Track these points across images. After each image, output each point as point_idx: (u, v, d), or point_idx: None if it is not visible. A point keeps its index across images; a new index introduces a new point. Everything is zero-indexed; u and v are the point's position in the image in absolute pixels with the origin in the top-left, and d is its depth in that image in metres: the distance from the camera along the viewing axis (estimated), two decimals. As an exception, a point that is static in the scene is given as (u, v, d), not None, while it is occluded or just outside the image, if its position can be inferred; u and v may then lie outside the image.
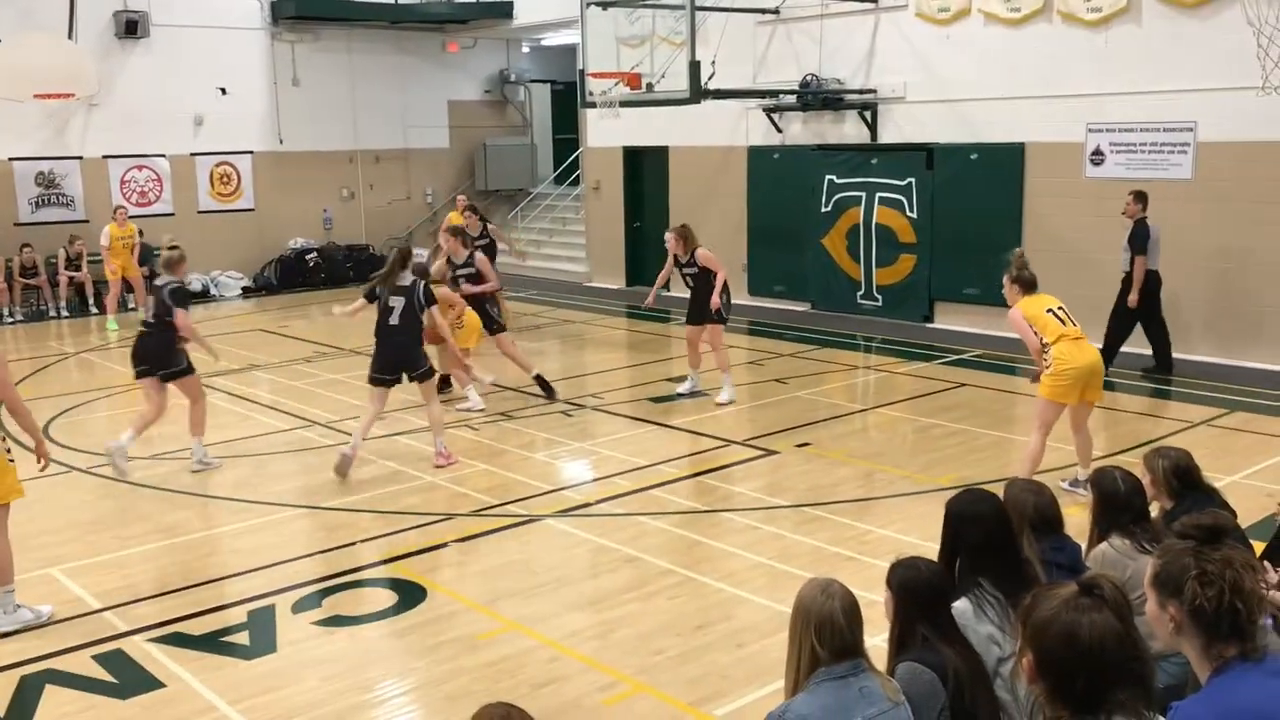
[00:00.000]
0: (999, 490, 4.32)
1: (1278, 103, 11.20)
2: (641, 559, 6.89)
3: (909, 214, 14.78)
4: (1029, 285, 7.62)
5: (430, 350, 9.53)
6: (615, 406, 10.91)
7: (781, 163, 16.11)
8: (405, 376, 9.00)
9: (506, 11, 20.64)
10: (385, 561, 6.97)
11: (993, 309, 12.45)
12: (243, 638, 5.96)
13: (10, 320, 16.91)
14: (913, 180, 14.66)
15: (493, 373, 11.20)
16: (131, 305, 17.23)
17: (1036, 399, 7.75)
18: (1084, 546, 4.51)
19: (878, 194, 15.06)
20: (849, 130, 15.41)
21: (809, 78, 15.20)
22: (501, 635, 5.90)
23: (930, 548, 4.09)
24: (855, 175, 15.26)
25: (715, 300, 10.51)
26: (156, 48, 18.59)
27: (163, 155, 19.14)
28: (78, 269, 17.49)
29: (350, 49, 20.93)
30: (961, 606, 3.71)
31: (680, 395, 11.06)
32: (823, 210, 15.67)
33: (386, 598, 6.43)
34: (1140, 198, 11.29)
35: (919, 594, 3.53)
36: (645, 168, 18.42)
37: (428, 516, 7.78)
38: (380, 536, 7.41)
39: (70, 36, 17.29)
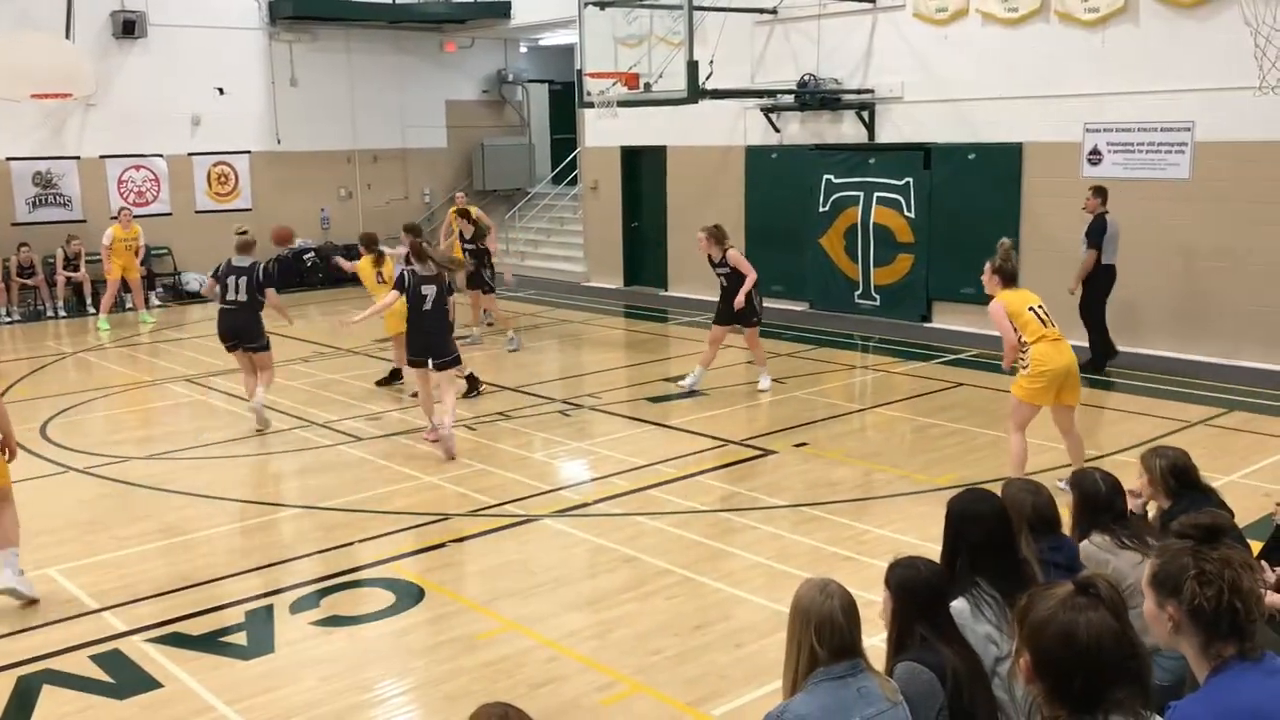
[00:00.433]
0: (996, 490, 4.32)
1: (1275, 102, 11.22)
2: (639, 559, 6.89)
3: (907, 214, 14.78)
4: (1009, 278, 7.55)
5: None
6: (613, 406, 10.91)
7: (779, 162, 16.11)
8: (430, 362, 9.23)
9: (504, 11, 20.64)
10: (383, 561, 6.97)
11: (990, 309, 12.44)
12: (240, 638, 5.96)
13: (8, 320, 16.90)
14: (910, 180, 14.66)
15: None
16: (129, 305, 17.21)
17: (1011, 399, 7.71)
18: None
19: (875, 194, 15.06)
20: (847, 130, 15.41)
21: (807, 78, 15.20)
22: (500, 635, 5.89)
23: (928, 547, 4.09)
24: (853, 175, 15.26)
25: (740, 299, 10.62)
26: (154, 48, 18.58)
27: (160, 155, 19.12)
28: (75, 269, 17.47)
29: (348, 49, 20.92)
30: (959, 606, 3.71)
31: (680, 390, 11.08)
32: (821, 210, 15.67)
33: (385, 598, 6.43)
34: (1099, 193, 11.45)
35: (917, 594, 3.53)
36: (643, 167, 18.42)
37: (426, 516, 7.78)
38: (378, 536, 7.41)
39: (67, 36, 17.28)
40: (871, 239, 15.17)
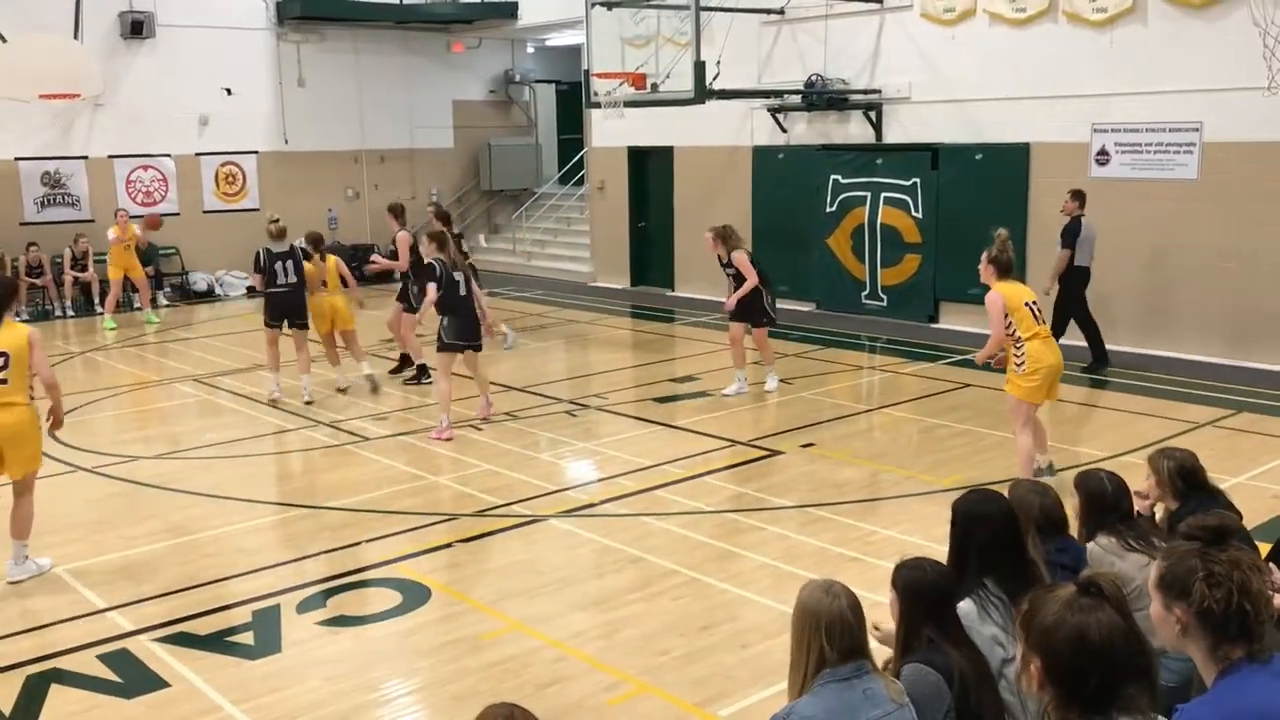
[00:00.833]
0: (1004, 491, 4.31)
1: (1284, 103, 11.19)
2: (646, 559, 6.89)
3: (914, 214, 14.76)
4: (1005, 268, 7.56)
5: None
6: (620, 407, 10.91)
7: (786, 163, 16.10)
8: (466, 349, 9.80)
9: (511, 12, 20.66)
10: (390, 561, 6.97)
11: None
12: (247, 638, 5.97)
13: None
14: (918, 180, 14.65)
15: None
16: (137, 305, 17.25)
17: (1009, 400, 7.74)
18: None
19: (883, 194, 15.05)
20: (854, 130, 15.40)
21: (814, 78, 15.19)
22: (506, 635, 5.89)
23: (934, 548, 4.08)
24: (860, 175, 15.25)
25: (730, 303, 10.72)
26: (162, 48, 18.62)
27: (168, 155, 19.16)
28: (83, 269, 17.53)
29: (356, 49, 20.95)
30: (966, 607, 3.70)
31: (726, 395, 10.95)
32: (828, 210, 15.66)
33: (391, 598, 6.43)
34: (1078, 196, 11.61)
35: (924, 595, 3.52)
36: (650, 168, 18.42)
37: (432, 517, 7.79)
38: (385, 536, 7.41)
39: (76, 37, 17.33)
40: (879, 239, 15.15)
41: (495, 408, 10.36)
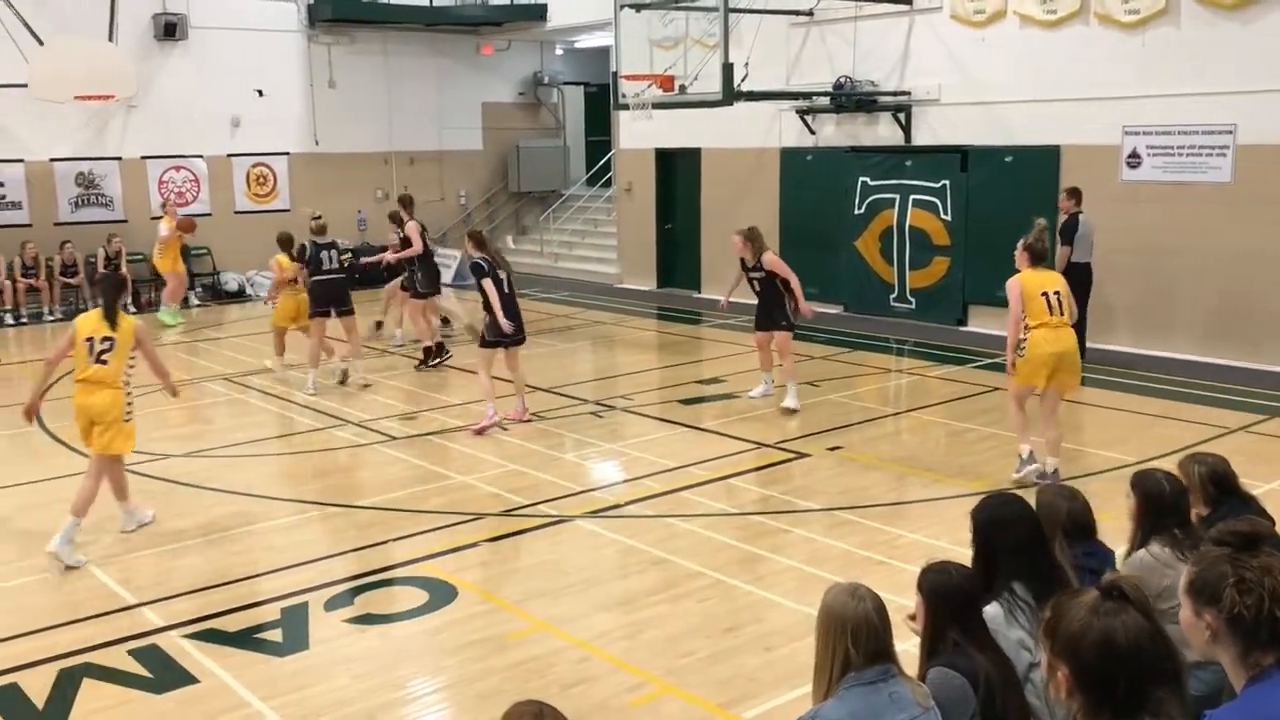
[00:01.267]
0: (1031, 495, 4.29)
1: (1319, 105, 11.06)
2: (671, 561, 6.89)
3: (943, 216, 14.70)
4: (1038, 256, 7.96)
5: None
6: (645, 408, 10.91)
7: (815, 164, 16.06)
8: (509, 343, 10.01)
9: (541, 14, 20.71)
10: (417, 560, 7.01)
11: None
12: (276, 635, 6.02)
13: (51, 318, 17.15)
14: (947, 182, 14.58)
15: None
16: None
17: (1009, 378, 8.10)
18: (1124, 549, 4.44)
19: (911, 196, 14.99)
20: (883, 132, 15.35)
21: (843, 79, 15.15)
22: (531, 635, 5.92)
23: (962, 552, 4.07)
24: (889, 177, 15.19)
25: (807, 308, 10.53)
26: (195, 50, 18.80)
27: (200, 156, 19.34)
28: (116, 268, 17.69)
29: (386, 51, 21.07)
30: (992, 611, 3.68)
31: (752, 398, 10.85)
32: (856, 212, 15.61)
33: (417, 596, 6.47)
34: (1074, 194, 11.76)
35: (950, 599, 3.51)
36: (677, 169, 18.42)
37: (459, 516, 7.82)
38: (411, 535, 7.46)
39: (110, 39, 17.51)
40: (907, 241, 15.10)
41: (528, 411, 10.36)
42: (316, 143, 20.37)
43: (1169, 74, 12.23)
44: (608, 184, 21.75)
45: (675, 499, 8.09)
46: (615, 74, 14.76)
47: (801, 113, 15.97)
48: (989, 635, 3.55)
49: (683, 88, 14.08)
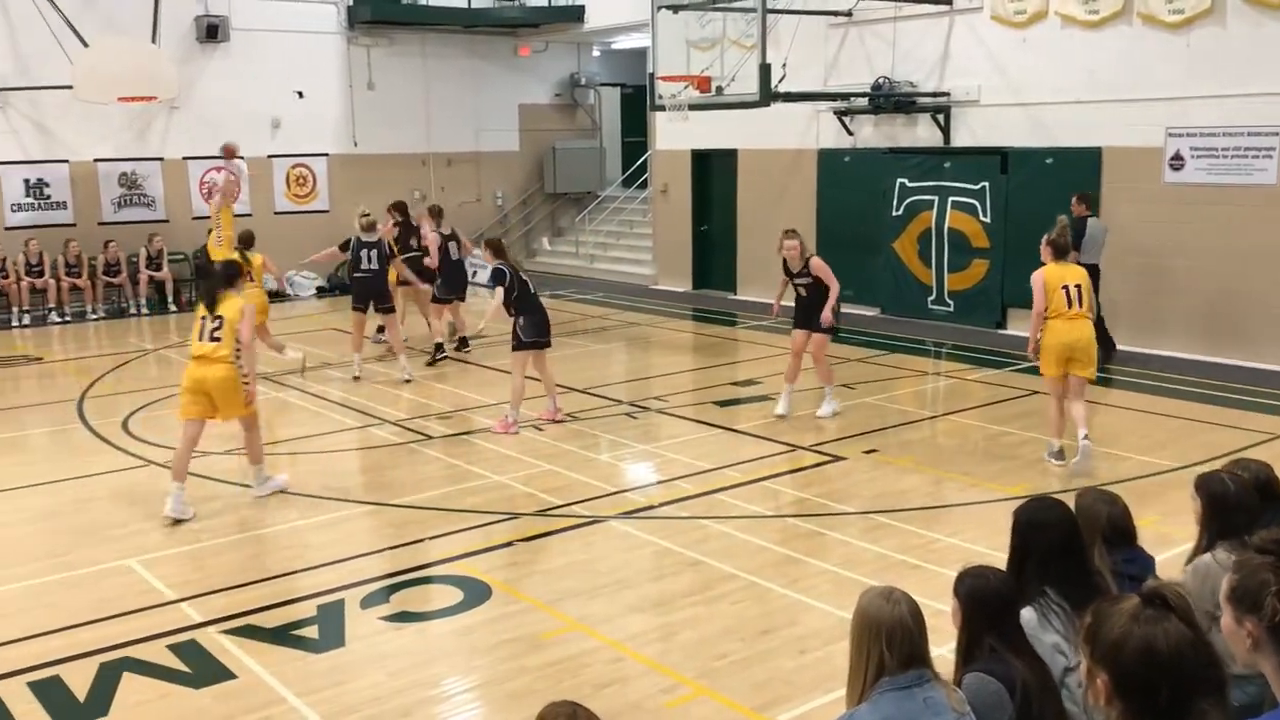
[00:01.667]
0: (1070, 499, 4.24)
1: (1368, 106, 10.87)
2: (705, 563, 6.88)
3: (982, 218, 14.58)
4: (1060, 251, 8.40)
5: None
6: (680, 409, 10.91)
7: (852, 166, 15.98)
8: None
9: (578, 15, 20.76)
10: (452, 559, 7.04)
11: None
12: (312, 631, 6.06)
13: (94, 317, 17.39)
14: (986, 184, 14.46)
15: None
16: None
17: None
18: (1189, 553, 4.34)
19: (950, 198, 14.88)
20: (921, 133, 15.25)
21: (881, 80, 15.07)
22: (564, 635, 5.92)
23: (999, 557, 4.03)
24: (927, 179, 15.09)
25: (827, 315, 9.98)
26: (236, 52, 19.00)
27: (241, 157, 19.51)
28: (158, 267, 17.94)
29: (424, 53, 21.19)
30: (1027, 615, 3.65)
31: (778, 416, 10.38)
32: (894, 214, 15.52)
33: (452, 595, 6.50)
34: (1084, 199, 12.01)
35: (987, 604, 3.47)
36: (713, 171, 18.40)
37: (493, 515, 7.85)
38: (446, 534, 7.49)
39: (153, 41, 17.73)
40: (946, 244, 14.99)
41: (561, 410, 10.42)
42: (355, 144, 20.53)
43: (1214, 74, 12.06)
44: (643, 185, 21.76)
45: (710, 501, 8.08)
46: (652, 75, 14.76)
47: (839, 114, 15.90)
48: (1026, 641, 3.52)
49: (720, 89, 14.06)
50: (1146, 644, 2.37)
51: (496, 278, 9.96)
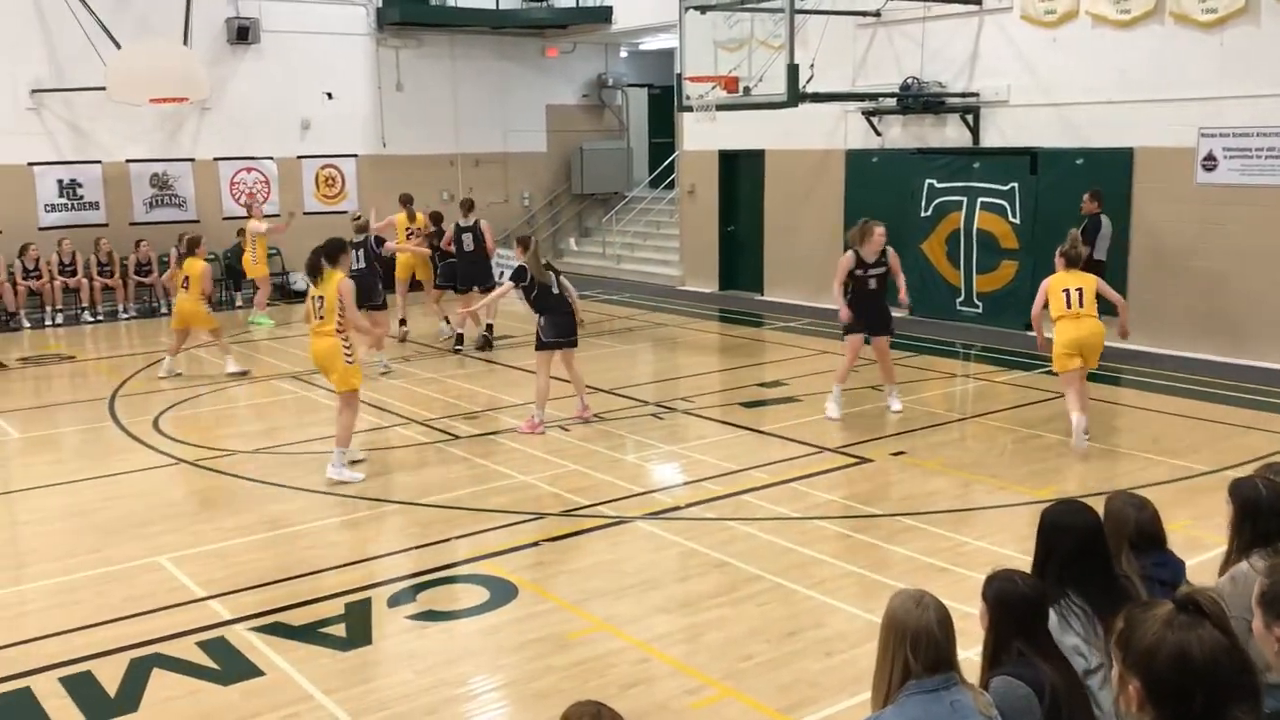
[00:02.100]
0: (1099, 503, 4.20)
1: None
2: (731, 564, 6.87)
3: (1011, 219, 14.48)
4: (1071, 261, 9.03)
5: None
6: (706, 410, 10.89)
7: (880, 166, 15.91)
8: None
9: (605, 16, 20.78)
10: (478, 558, 7.07)
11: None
12: (339, 630, 6.09)
13: (125, 316, 17.56)
14: (1015, 185, 14.36)
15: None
16: (239, 304, 17.70)
17: None
18: (1221, 558, 4.29)
19: (979, 199, 14.79)
20: (950, 134, 15.16)
21: (910, 80, 15.00)
22: (590, 635, 5.93)
23: (1028, 560, 4.00)
24: (956, 179, 15.01)
25: (904, 295, 10.62)
26: (266, 53, 19.14)
27: (270, 158, 19.69)
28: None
29: (452, 54, 21.28)
30: (1047, 616, 3.63)
31: (893, 411, 10.41)
32: (922, 215, 15.44)
33: (479, 594, 6.51)
34: (1096, 196, 12.36)
35: (1015, 607, 3.45)
36: (740, 171, 18.36)
37: (520, 515, 7.87)
38: (473, 534, 7.51)
39: (185, 43, 17.89)
40: (974, 245, 14.90)
41: (590, 409, 10.44)
42: (384, 145, 20.63)
43: (1248, 74, 11.93)
44: (670, 186, 21.76)
45: (736, 502, 8.06)
46: (679, 76, 14.76)
47: (867, 114, 15.83)
48: (1054, 645, 3.50)
49: (747, 89, 14.03)
50: (1180, 650, 2.34)
51: (517, 275, 10.05)
